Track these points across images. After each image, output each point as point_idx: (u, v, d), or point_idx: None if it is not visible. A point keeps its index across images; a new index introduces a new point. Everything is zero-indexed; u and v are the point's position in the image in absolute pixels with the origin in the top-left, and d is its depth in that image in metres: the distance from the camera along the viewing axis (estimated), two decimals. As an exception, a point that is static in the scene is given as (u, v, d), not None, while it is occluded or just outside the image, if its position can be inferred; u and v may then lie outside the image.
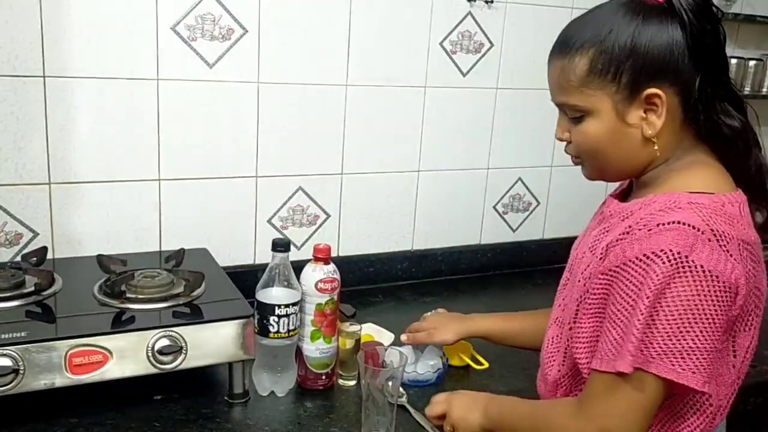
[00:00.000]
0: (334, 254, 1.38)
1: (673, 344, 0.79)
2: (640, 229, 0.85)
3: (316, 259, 1.18)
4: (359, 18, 1.56)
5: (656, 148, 0.89)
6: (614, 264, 0.85)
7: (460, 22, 1.68)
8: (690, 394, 0.86)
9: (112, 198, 1.41)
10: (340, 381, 1.24)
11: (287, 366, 1.18)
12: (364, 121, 1.63)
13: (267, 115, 1.52)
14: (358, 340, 1.24)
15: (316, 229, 1.65)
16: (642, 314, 0.80)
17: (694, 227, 0.81)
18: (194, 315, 1.13)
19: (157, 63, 1.39)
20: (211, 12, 1.41)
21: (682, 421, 0.89)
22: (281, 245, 1.16)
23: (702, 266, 0.79)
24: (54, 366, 1.00)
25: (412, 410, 1.14)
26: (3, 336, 0.99)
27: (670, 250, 0.79)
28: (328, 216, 1.65)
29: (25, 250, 1.35)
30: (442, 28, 1.67)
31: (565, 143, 0.96)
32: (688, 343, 0.79)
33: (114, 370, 1.04)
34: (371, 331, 1.38)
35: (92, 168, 1.38)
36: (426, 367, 1.24)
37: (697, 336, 0.79)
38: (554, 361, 0.97)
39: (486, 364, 1.32)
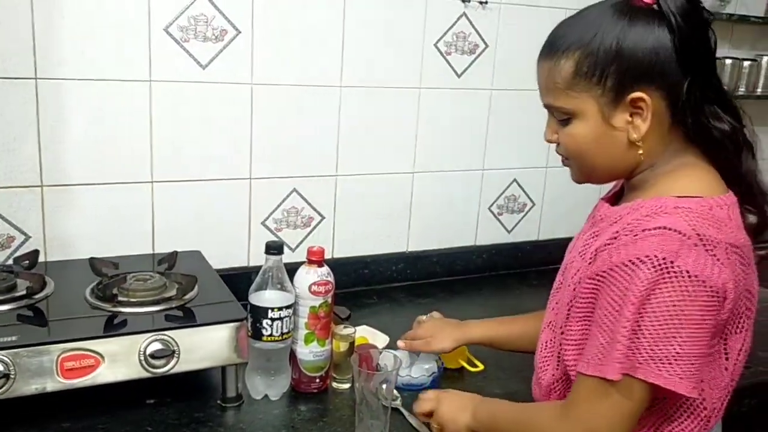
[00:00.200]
0: (328, 256, 1.38)
1: (660, 350, 0.79)
2: (626, 235, 0.85)
3: (310, 262, 1.18)
4: (353, 19, 1.55)
5: (641, 152, 0.88)
6: (601, 269, 0.85)
7: (455, 23, 1.68)
8: (682, 398, 0.85)
9: (105, 200, 1.40)
10: (334, 384, 1.23)
11: (281, 369, 1.18)
12: (359, 122, 1.62)
13: (261, 117, 1.51)
14: (352, 343, 1.24)
15: (311, 231, 1.64)
16: (628, 320, 0.80)
17: (679, 232, 0.80)
18: (187, 318, 1.12)
19: (149, 64, 1.38)
20: (204, 13, 1.41)
21: (677, 425, 0.88)
22: (274, 248, 1.15)
23: (687, 271, 0.78)
24: (45, 370, 0.99)
25: (406, 413, 1.14)
26: (-6, 340, 0.98)
27: (655, 256, 0.79)
28: (323, 218, 1.65)
29: (17, 253, 1.34)
30: (437, 29, 1.66)
31: (555, 144, 0.95)
32: (675, 348, 0.79)
33: (106, 374, 1.03)
34: (366, 334, 1.37)
35: (84, 170, 1.37)
36: (421, 371, 1.23)
37: (684, 341, 0.79)
38: (548, 365, 0.97)
39: (481, 367, 1.32)
